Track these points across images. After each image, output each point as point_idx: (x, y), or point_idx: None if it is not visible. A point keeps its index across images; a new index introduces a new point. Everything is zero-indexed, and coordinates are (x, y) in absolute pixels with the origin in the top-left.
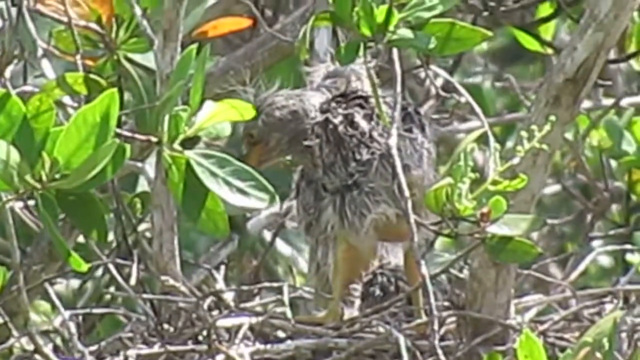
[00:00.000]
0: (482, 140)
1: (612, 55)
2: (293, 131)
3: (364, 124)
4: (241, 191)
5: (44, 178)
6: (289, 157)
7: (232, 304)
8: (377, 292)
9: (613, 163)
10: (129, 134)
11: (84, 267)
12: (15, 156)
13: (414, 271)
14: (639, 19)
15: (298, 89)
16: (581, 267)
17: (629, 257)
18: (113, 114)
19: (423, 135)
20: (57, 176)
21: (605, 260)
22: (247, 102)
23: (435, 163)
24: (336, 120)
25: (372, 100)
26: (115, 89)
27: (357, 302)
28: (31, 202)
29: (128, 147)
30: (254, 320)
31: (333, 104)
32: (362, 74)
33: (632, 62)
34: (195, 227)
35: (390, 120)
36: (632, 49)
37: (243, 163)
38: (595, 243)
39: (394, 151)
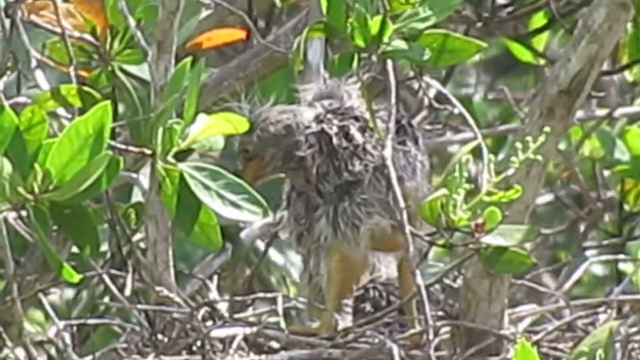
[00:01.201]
0: (475, 151)
1: (606, 66)
2: (287, 145)
3: (358, 137)
4: (234, 204)
5: (36, 190)
6: (282, 175)
7: (226, 314)
8: (368, 308)
9: (606, 173)
10: (122, 146)
11: (77, 278)
12: (7, 168)
13: (407, 281)
14: (631, 30)
15: (292, 102)
16: (575, 277)
17: (623, 266)
18: (106, 126)
19: (416, 148)
20: (49, 188)
21: (599, 270)
22: (242, 117)
23: (428, 175)
24: (331, 132)
25: (366, 115)
26: (108, 101)
27: (349, 317)
28: (24, 213)
29: (121, 159)
30: (248, 330)
31: (329, 116)
32: (356, 93)
33: (626, 73)
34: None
35: (384, 133)
36: (625, 60)
37: (238, 177)
38: (589, 253)
39: (389, 162)
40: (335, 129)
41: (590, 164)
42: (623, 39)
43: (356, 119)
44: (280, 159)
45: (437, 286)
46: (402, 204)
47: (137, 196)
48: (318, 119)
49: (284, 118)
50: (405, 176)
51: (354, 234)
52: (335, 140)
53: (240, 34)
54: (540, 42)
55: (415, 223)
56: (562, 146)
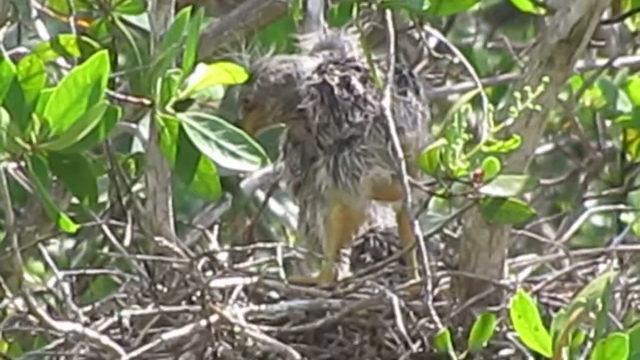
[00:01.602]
0: (475, 101)
1: (606, 15)
2: (288, 95)
3: (359, 87)
4: (233, 154)
5: (34, 140)
6: (283, 124)
7: (225, 264)
8: (368, 258)
9: (607, 123)
10: (121, 96)
11: (74, 228)
12: (5, 118)
13: (407, 232)
14: None
15: (293, 51)
16: (574, 227)
17: (624, 217)
18: (104, 76)
19: (417, 98)
20: (47, 138)
21: (599, 221)
22: (242, 67)
23: (429, 125)
24: (333, 82)
25: (367, 66)
26: (106, 51)
27: (347, 267)
28: (23, 163)
29: (119, 109)
30: (247, 281)
31: (330, 66)
32: (356, 43)
33: (627, 22)
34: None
35: (383, 82)
36: (624, 9)
37: (238, 128)
38: (589, 203)
39: (388, 112)
40: (336, 80)
41: (591, 113)
42: None
43: (357, 69)
44: (281, 108)
45: (437, 236)
46: (400, 154)
47: (137, 147)
48: (320, 70)
49: (284, 67)
50: (405, 126)
51: (354, 184)
52: (336, 91)
53: None
54: None
55: (415, 173)
56: (562, 96)
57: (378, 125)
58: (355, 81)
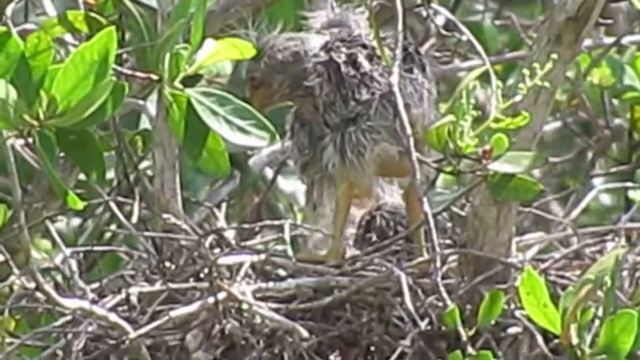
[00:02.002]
0: (484, 78)
1: None
2: (295, 73)
3: (366, 64)
4: (242, 129)
5: (42, 116)
6: (290, 102)
7: (233, 242)
8: (374, 238)
9: (615, 101)
10: (129, 72)
11: (81, 205)
12: (12, 94)
13: (415, 209)
14: None
15: (300, 29)
16: (582, 205)
17: (631, 194)
18: (111, 52)
19: (424, 76)
20: (55, 114)
21: (607, 198)
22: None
23: (436, 103)
24: (339, 60)
25: (374, 43)
26: (113, 27)
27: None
28: (31, 140)
29: (126, 85)
30: (255, 258)
31: (337, 44)
32: (364, 22)
33: (634, 0)
34: (193, 166)
35: (391, 60)
36: None
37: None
38: (597, 181)
39: (395, 89)
40: (343, 57)
41: (599, 91)
42: None
43: (364, 46)
44: (288, 86)
45: (444, 214)
46: (408, 130)
47: (144, 123)
48: (326, 48)
49: (292, 45)
50: (411, 103)
51: (360, 161)
52: (343, 68)
53: None
54: None
55: (422, 150)
56: (570, 74)
57: (384, 102)
58: (361, 58)
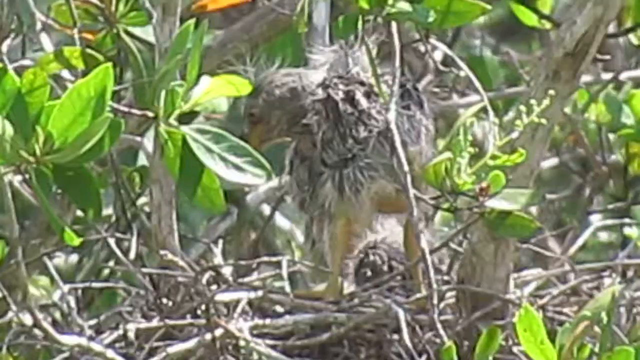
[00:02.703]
0: (482, 113)
1: (611, 29)
2: (292, 109)
3: (363, 102)
4: (237, 167)
5: (38, 152)
6: (288, 138)
7: (230, 278)
8: (368, 273)
9: (612, 137)
10: (125, 108)
11: (78, 242)
12: (9, 130)
13: (412, 245)
14: None
15: (298, 64)
16: (580, 242)
17: (628, 231)
18: (108, 88)
19: (421, 112)
20: (51, 150)
21: (604, 235)
22: (247, 80)
23: (433, 139)
24: (337, 97)
25: (372, 80)
26: (110, 64)
27: (350, 277)
28: (28, 176)
29: (123, 121)
30: (252, 294)
31: (335, 81)
32: (361, 59)
33: (631, 36)
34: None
35: (388, 96)
36: (629, 23)
37: (244, 141)
38: (594, 217)
39: (393, 126)
40: (341, 95)
41: (596, 128)
42: (628, 1)
43: (361, 83)
44: (286, 122)
45: (443, 250)
46: (406, 167)
47: (142, 160)
48: (324, 85)
49: (289, 81)
50: (408, 140)
51: (357, 198)
52: (341, 106)
53: None
54: (545, 4)
55: (419, 187)
56: (567, 110)
57: (381, 139)
58: (359, 96)
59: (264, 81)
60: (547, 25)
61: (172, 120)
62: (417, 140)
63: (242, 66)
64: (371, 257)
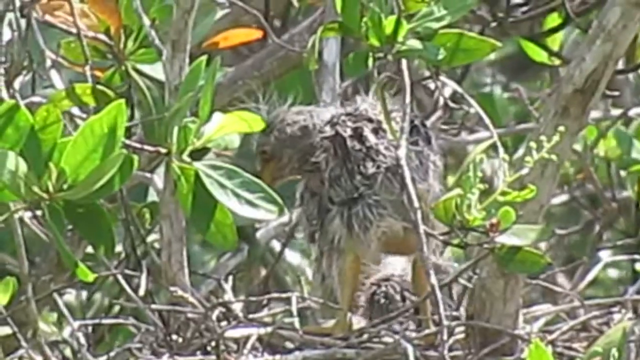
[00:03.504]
0: (492, 150)
1: (620, 65)
2: (303, 147)
3: (371, 138)
4: (250, 203)
5: (51, 189)
6: (299, 176)
7: (240, 314)
8: (382, 300)
9: (622, 173)
10: (137, 145)
11: (91, 277)
12: (22, 167)
13: (422, 281)
14: None
15: (309, 102)
16: (589, 277)
17: (639, 266)
18: (120, 125)
19: (429, 148)
20: (64, 187)
21: (614, 271)
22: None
23: (441, 176)
24: (345, 134)
25: (380, 116)
26: (122, 100)
27: (362, 310)
28: (39, 212)
29: (136, 158)
30: (262, 331)
31: (343, 118)
32: (370, 95)
33: None
34: (199, 240)
35: (398, 134)
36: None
37: (256, 178)
38: (603, 253)
39: (403, 162)
40: (349, 132)
41: (606, 164)
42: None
43: (369, 120)
44: (297, 160)
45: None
46: (416, 204)
47: (152, 196)
48: (332, 122)
49: (301, 119)
50: (417, 177)
51: (366, 236)
52: (349, 143)
53: (257, 34)
54: (555, 41)
55: (427, 224)
56: (577, 146)
57: (390, 175)
58: (367, 132)
59: (275, 119)
60: (557, 62)
61: (185, 157)
62: (425, 176)
63: (254, 104)
64: (383, 288)
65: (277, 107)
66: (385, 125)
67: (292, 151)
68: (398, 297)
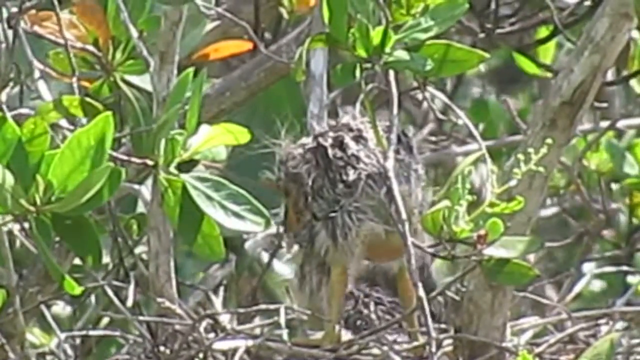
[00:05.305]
0: (481, 162)
1: (609, 77)
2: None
3: (352, 145)
4: (237, 215)
5: (38, 201)
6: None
7: (228, 326)
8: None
9: (613, 186)
10: (124, 157)
11: (78, 290)
12: (9, 179)
13: (408, 292)
14: None
15: (296, 111)
16: (577, 289)
17: (630, 279)
18: (108, 137)
19: (410, 157)
20: (51, 199)
21: (602, 283)
22: (277, 154)
23: (425, 185)
24: (326, 143)
25: (361, 126)
26: (110, 112)
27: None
28: (27, 224)
29: (123, 170)
30: (250, 342)
31: (324, 130)
32: (357, 112)
33: (632, 83)
34: (186, 251)
35: (386, 144)
36: (631, 70)
37: (286, 229)
38: (591, 265)
39: (391, 174)
40: (330, 141)
41: (597, 176)
42: (632, 49)
43: (350, 129)
44: (303, 194)
45: (439, 298)
46: (404, 215)
47: (141, 207)
48: (314, 135)
49: (298, 153)
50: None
51: (347, 242)
52: (330, 151)
53: (248, 46)
54: (546, 53)
55: (410, 230)
56: (566, 158)
57: (371, 182)
58: (348, 140)
59: (288, 155)
60: (548, 74)
61: (172, 169)
62: (407, 182)
63: (272, 140)
64: (359, 306)
65: (285, 141)
66: (366, 134)
67: (296, 185)
68: (373, 316)
